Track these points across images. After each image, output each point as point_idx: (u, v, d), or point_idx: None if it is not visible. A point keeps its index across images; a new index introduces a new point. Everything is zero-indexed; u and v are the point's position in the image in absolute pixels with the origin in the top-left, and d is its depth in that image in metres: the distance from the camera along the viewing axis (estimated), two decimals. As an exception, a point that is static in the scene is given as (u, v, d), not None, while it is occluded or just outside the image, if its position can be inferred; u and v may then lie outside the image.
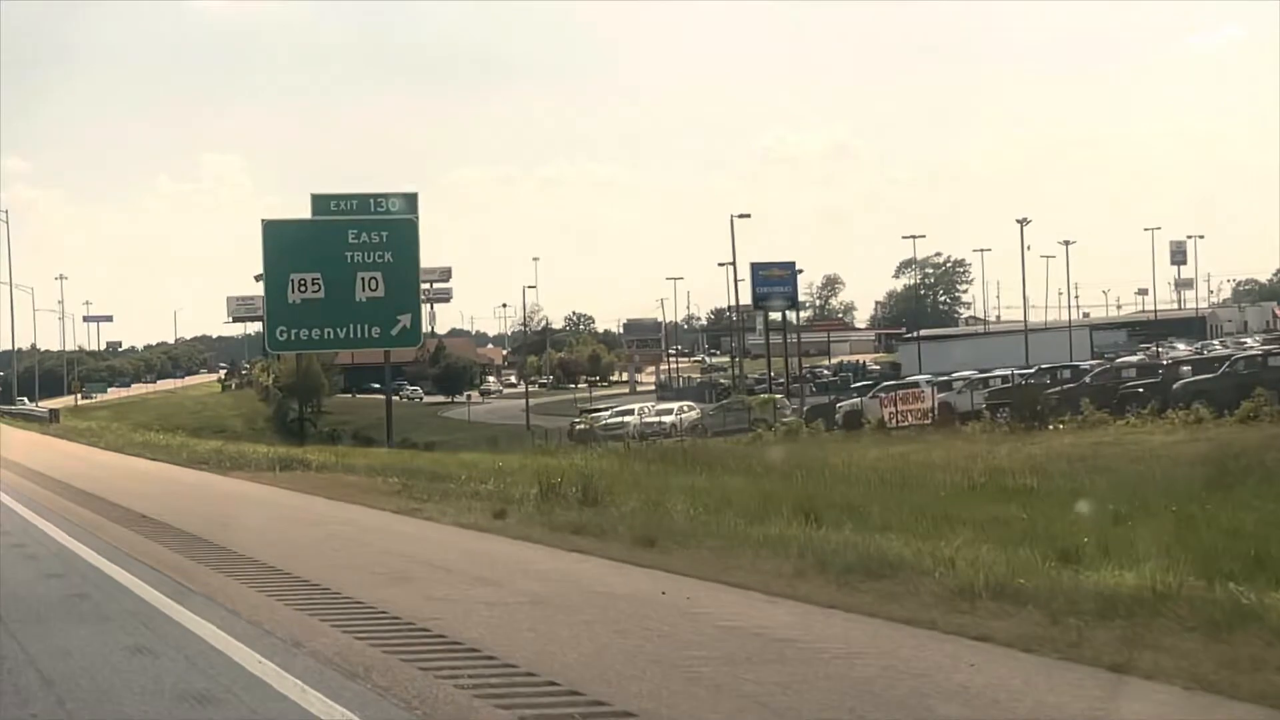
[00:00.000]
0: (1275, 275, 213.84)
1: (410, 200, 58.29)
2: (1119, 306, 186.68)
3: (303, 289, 55.76)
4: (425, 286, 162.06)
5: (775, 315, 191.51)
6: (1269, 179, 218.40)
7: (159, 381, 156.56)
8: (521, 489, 21.63)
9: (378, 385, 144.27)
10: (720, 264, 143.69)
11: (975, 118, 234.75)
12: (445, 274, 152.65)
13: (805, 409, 71.01)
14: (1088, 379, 58.63)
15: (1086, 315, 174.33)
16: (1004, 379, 63.29)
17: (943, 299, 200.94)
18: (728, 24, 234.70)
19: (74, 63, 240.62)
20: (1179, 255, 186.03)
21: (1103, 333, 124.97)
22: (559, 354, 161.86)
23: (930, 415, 56.37)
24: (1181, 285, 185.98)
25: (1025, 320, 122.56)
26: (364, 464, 30.68)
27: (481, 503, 20.95)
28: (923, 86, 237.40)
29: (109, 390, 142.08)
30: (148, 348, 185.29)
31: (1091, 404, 49.05)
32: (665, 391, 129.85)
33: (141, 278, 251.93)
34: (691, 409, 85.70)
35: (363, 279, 56.11)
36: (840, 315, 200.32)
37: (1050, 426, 49.40)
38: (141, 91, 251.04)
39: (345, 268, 56.01)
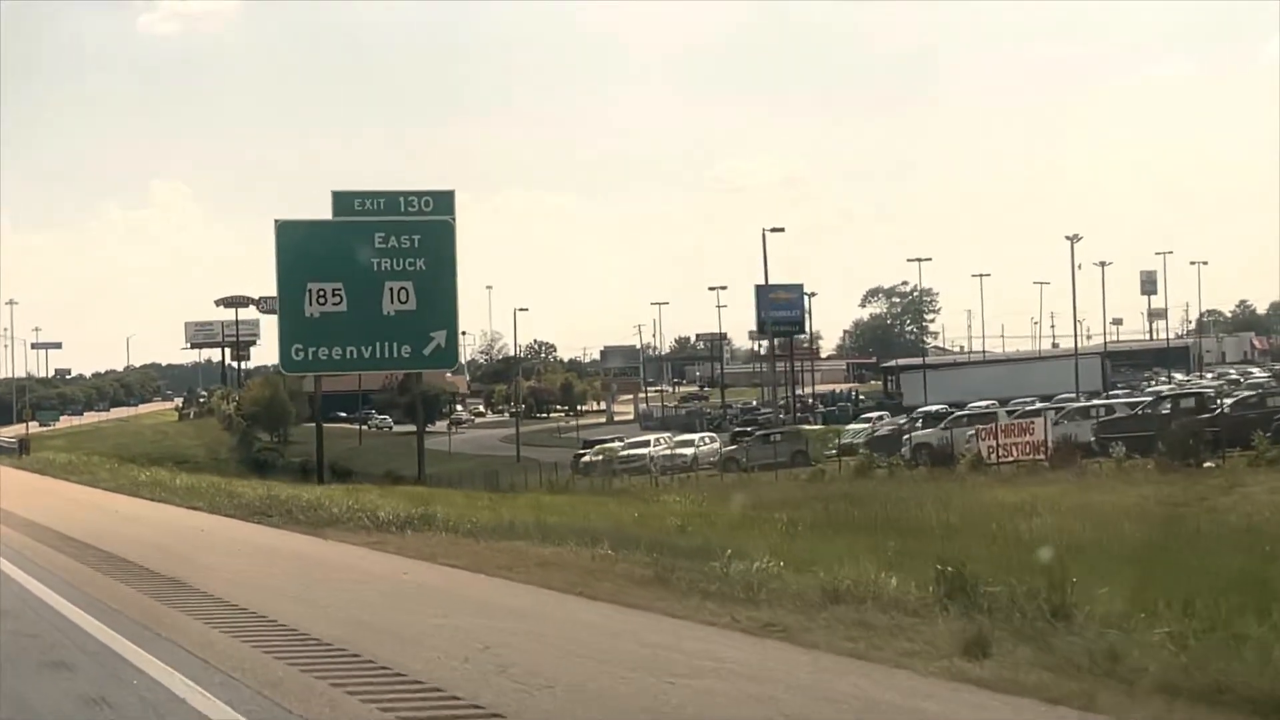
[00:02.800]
0: (1238, 307, 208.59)
1: (446, 199, 49.04)
2: (1089, 337, 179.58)
3: (322, 300, 46.70)
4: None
5: (732, 343, 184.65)
6: (1229, 210, 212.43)
7: (112, 409, 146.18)
8: (847, 575, 12.90)
9: (345, 414, 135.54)
10: (711, 288, 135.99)
11: (930, 152, 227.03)
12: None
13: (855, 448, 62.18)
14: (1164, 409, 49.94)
15: (1056, 345, 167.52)
16: (1105, 409, 54.81)
17: (910, 329, 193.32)
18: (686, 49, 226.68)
19: (17, 85, 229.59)
20: (1149, 285, 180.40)
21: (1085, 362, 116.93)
22: (529, 383, 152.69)
23: (1042, 449, 47.75)
24: (1154, 315, 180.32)
25: (1076, 343, 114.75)
26: (489, 520, 21.73)
27: (849, 609, 12.09)
28: (879, 120, 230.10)
29: (61, 419, 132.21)
30: (96, 375, 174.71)
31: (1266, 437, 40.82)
32: (648, 421, 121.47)
33: (89, 305, 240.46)
34: (712, 440, 77.02)
35: (391, 289, 47.10)
36: (806, 345, 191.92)
37: (1208, 464, 41.23)
38: (89, 115, 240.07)
39: (371, 276, 47.01)
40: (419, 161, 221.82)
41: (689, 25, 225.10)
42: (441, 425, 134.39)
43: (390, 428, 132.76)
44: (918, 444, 57.24)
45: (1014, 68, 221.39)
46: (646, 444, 77.24)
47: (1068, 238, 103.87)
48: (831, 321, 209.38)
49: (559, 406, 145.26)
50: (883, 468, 54.28)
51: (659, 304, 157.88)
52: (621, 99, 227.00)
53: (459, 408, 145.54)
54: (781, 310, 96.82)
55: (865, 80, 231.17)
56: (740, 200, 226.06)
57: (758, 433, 73.91)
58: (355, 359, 48.15)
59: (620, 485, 63.92)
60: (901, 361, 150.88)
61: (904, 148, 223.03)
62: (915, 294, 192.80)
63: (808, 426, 74.04)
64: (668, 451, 74.04)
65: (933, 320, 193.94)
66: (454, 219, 48.59)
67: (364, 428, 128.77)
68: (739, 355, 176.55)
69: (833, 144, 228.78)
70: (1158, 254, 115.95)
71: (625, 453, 74.95)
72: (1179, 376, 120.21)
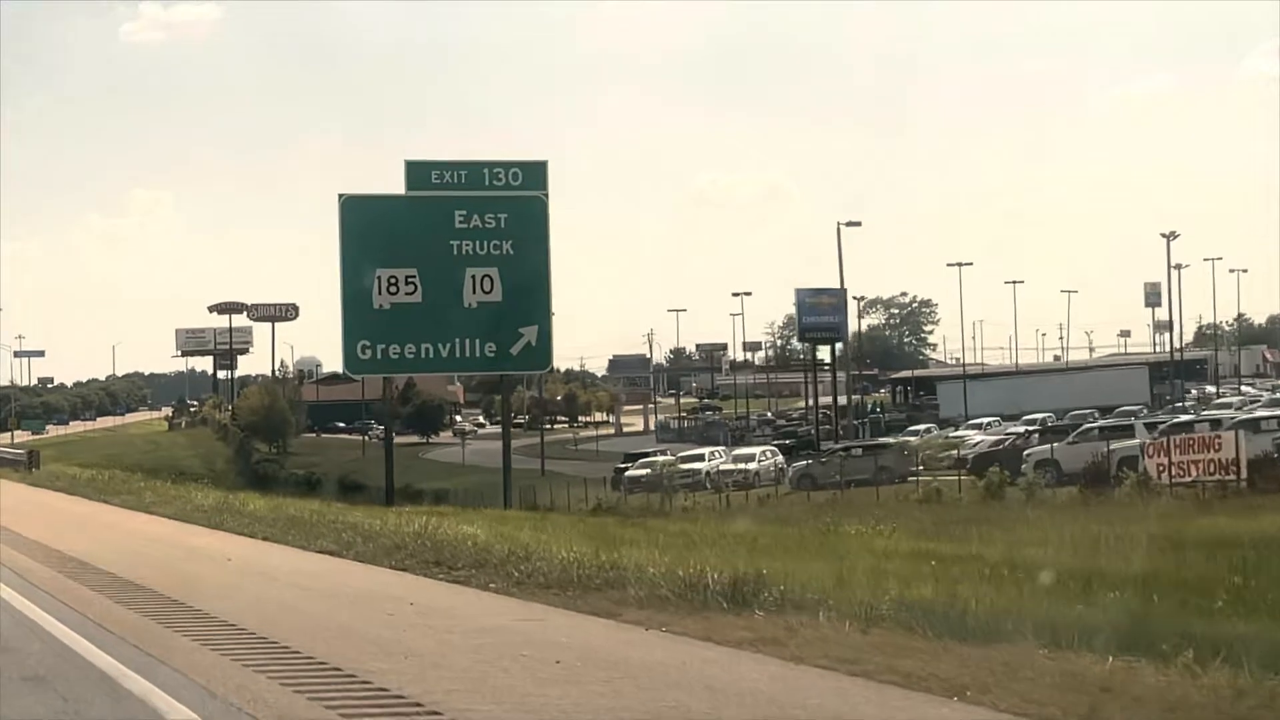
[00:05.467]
0: (1234, 320, 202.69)
1: (537, 171, 40.70)
2: (1092, 350, 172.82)
3: (393, 289, 38.61)
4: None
5: (728, 352, 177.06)
6: (1218, 224, 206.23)
7: (99, 419, 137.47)
8: None
9: (343, 424, 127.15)
10: (735, 293, 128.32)
11: (911, 166, 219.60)
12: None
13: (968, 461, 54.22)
14: None
15: (1058, 358, 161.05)
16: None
17: (908, 340, 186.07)
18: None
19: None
20: (1153, 297, 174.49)
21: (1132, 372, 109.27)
22: (530, 393, 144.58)
23: (1232, 468, 39.91)
24: (1161, 327, 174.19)
25: (1172, 349, 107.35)
26: (747, 571, 13.78)
27: None
28: (861, 134, 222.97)
29: (47, 428, 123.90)
30: (78, 384, 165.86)
31: None
32: (664, 433, 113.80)
33: (71, 313, 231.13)
34: (773, 454, 69.14)
35: (473, 277, 39.12)
36: (802, 355, 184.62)
37: None
38: (70, 123, 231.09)
39: (450, 262, 39.01)
40: (399, 168, 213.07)
41: (672, 32, 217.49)
42: (444, 436, 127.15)
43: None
44: (1040, 460, 49.55)
45: (997, 80, 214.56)
46: (701, 457, 69.28)
47: (1163, 235, 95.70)
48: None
49: (562, 418, 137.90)
50: (1017, 487, 46.61)
51: (676, 310, 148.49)
52: (600, 106, 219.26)
53: (458, 418, 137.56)
54: (824, 316, 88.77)
55: (848, 92, 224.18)
56: (721, 213, 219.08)
57: (836, 446, 66.04)
58: (431, 358, 39.88)
59: (688, 503, 56.18)
60: (920, 373, 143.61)
61: (885, 160, 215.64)
62: (914, 305, 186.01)
63: (891, 440, 65.93)
64: (727, 466, 66.22)
65: (931, 331, 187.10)
66: (547, 194, 40.36)
67: (363, 438, 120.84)
68: (738, 366, 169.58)
69: (817, 154, 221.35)
70: (1178, 266, 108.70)
71: (682, 467, 67.04)
72: (1209, 389, 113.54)
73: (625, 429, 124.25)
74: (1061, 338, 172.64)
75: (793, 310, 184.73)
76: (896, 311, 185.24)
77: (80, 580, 14.91)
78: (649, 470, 69.53)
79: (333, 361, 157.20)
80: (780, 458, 67.98)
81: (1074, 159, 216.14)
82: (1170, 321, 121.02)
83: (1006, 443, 54.23)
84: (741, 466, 65.64)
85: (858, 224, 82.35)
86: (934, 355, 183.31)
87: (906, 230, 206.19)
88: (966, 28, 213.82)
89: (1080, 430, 50.74)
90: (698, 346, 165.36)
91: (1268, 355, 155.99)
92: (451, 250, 39.02)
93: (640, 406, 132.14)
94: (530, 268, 39.63)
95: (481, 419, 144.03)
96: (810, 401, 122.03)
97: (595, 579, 14.54)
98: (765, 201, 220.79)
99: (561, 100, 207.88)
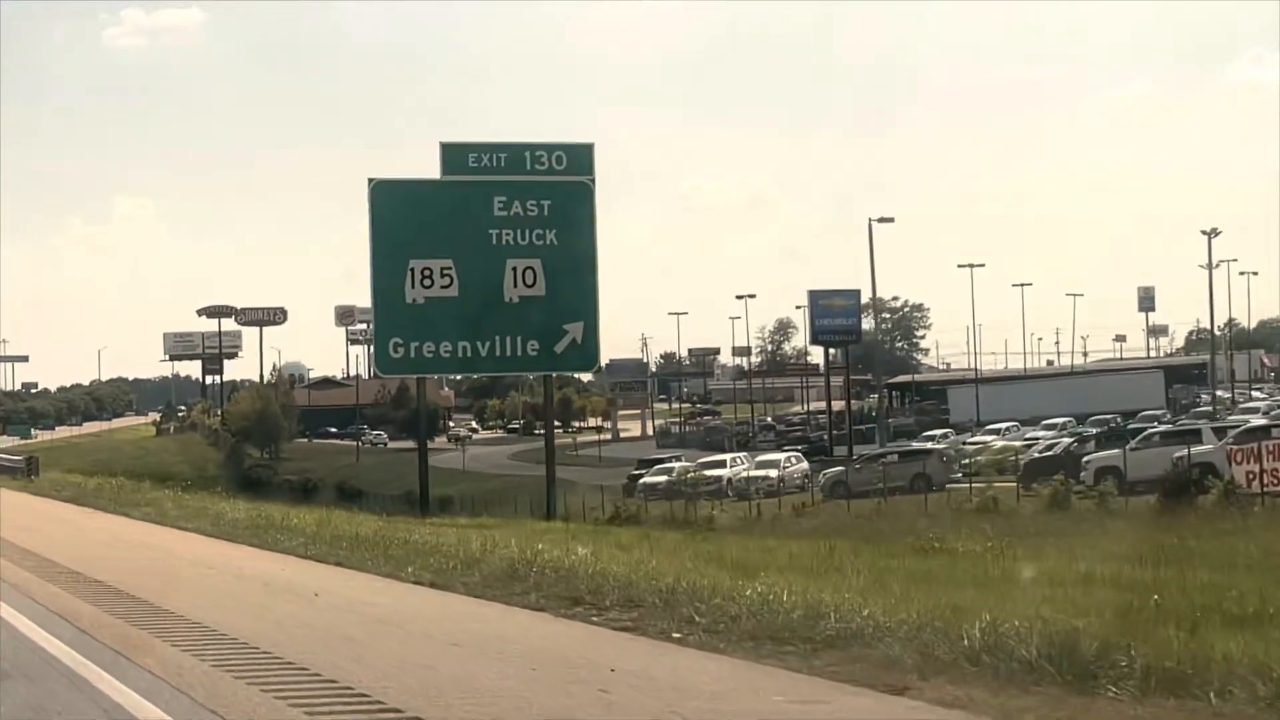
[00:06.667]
0: (1225, 326, 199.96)
1: (582, 154, 36.86)
2: (1085, 354, 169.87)
3: (427, 282, 34.98)
4: (360, 328, 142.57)
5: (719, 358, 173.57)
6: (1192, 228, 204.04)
7: (85, 424, 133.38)
8: None
9: (335, 430, 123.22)
10: (738, 296, 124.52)
11: (898, 173, 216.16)
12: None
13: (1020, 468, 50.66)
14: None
15: (1050, 363, 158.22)
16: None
17: (900, 345, 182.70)
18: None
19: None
20: (1147, 302, 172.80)
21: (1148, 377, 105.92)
22: (522, 398, 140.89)
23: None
24: (1156, 332, 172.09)
25: (1212, 354, 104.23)
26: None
27: None
28: (844, 139, 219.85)
29: (34, 433, 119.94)
30: (63, 389, 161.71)
31: None
32: (665, 439, 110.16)
33: (55, 319, 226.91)
34: (798, 460, 65.60)
35: (514, 269, 35.54)
36: (793, 360, 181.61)
37: None
38: (53, 130, 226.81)
39: (489, 252, 35.45)
40: (384, 171, 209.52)
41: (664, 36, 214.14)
42: (438, 442, 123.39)
43: (385, 443, 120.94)
44: (1101, 467, 46.18)
45: (985, 87, 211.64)
46: (722, 464, 65.66)
47: (1204, 232, 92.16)
48: (804, 337, 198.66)
49: (555, 423, 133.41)
50: (1085, 497, 43.27)
51: (677, 314, 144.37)
52: (586, 111, 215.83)
53: (451, 424, 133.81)
54: (837, 318, 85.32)
55: (835, 99, 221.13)
56: (706, 219, 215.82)
57: (869, 453, 62.58)
58: (469, 357, 36.12)
59: (716, 512, 52.60)
60: (919, 378, 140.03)
61: (873, 167, 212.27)
62: (905, 309, 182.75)
63: (930, 446, 62.26)
64: (750, 473, 62.65)
65: (923, 336, 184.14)
66: (593, 179, 36.63)
67: (360, 444, 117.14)
68: (728, 371, 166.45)
69: (802, 162, 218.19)
70: (1202, 266, 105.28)
71: (697, 474, 63.47)
72: (1215, 395, 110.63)
73: (621, 434, 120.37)
74: (1057, 342, 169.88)
75: (784, 315, 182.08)
76: (888, 316, 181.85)
77: (165, 636, 11.25)
78: (666, 477, 66.12)
79: (320, 366, 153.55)
80: (805, 464, 64.53)
81: (1064, 163, 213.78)
82: (1209, 325, 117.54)
83: (1058, 449, 50.74)
84: (765, 473, 62.17)
85: (890, 220, 78.72)
86: (925, 360, 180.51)
87: (895, 235, 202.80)
88: (954, 32, 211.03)
89: (1142, 436, 47.28)
90: (689, 351, 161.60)
91: (1265, 360, 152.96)
92: (490, 240, 35.45)
93: (637, 411, 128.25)
94: (576, 258, 35.97)
95: (474, 424, 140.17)
96: (818, 406, 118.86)
97: (808, 627, 11.00)
98: (753, 207, 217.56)
99: (551, 106, 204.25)
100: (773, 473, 62.31)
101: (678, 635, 11.36)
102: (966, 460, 57.04)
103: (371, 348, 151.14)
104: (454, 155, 36.20)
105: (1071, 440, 51.89)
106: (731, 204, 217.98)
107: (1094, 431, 53.81)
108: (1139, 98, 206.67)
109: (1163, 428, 51.08)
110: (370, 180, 35.97)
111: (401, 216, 35.41)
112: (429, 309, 35.02)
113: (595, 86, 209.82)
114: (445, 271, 35.00)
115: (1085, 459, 47.32)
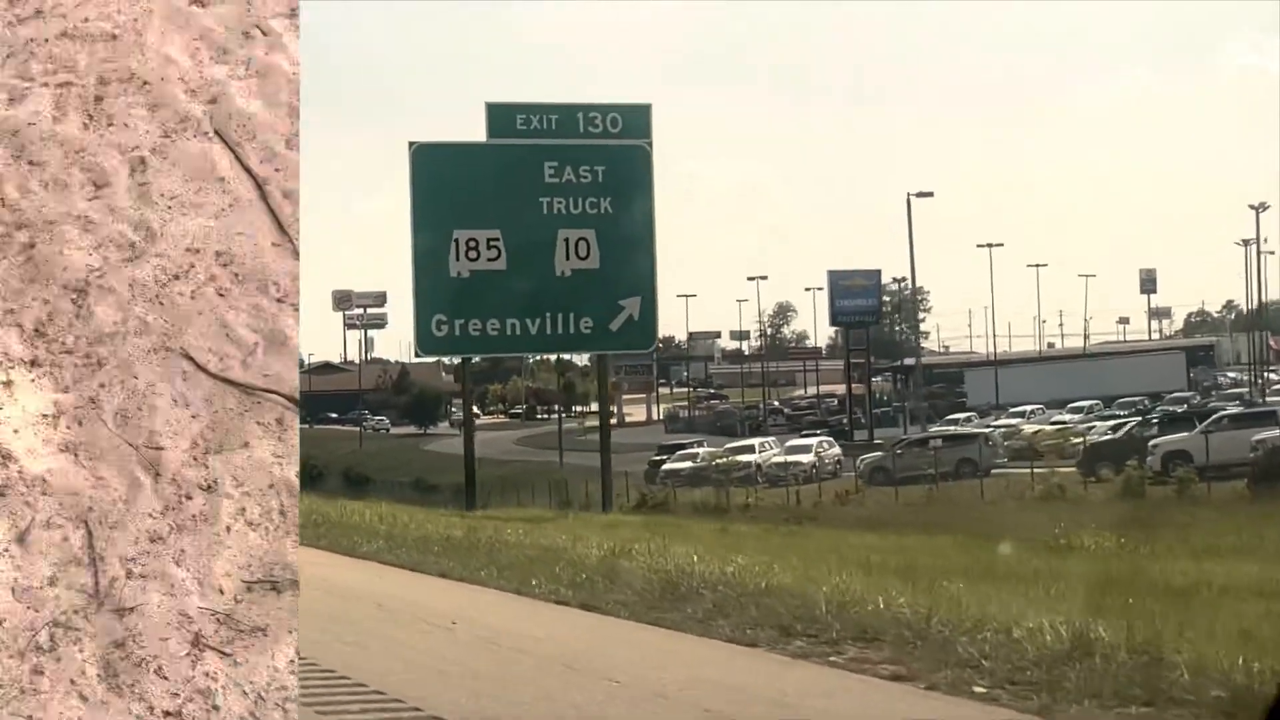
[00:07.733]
0: (1223, 308, 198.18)
1: (639, 115, 33.75)
2: (1087, 336, 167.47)
3: (473, 255, 31.99)
4: (357, 312, 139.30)
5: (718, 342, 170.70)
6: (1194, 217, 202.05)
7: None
8: None
9: (335, 415, 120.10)
10: (750, 278, 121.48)
11: (898, 159, 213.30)
12: (380, 299, 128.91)
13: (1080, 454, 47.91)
14: None
15: (1051, 345, 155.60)
16: None
17: (900, 328, 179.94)
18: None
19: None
20: (1149, 284, 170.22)
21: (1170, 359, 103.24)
22: (526, 383, 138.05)
23: None
24: (1159, 314, 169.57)
25: (1251, 341, 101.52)
26: None
27: None
28: (843, 127, 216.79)
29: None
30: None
31: None
32: (674, 423, 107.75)
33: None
34: (830, 445, 62.88)
35: (566, 240, 32.56)
36: (793, 344, 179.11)
37: None
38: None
39: (539, 222, 32.45)
40: (370, 165, 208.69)
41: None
42: (440, 427, 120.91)
43: (388, 429, 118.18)
44: (1169, 452, 43.53)
45: (983, 74, 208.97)
46: (750, 449, 62.93)
47: (1251, 206, 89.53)
48: (803, 321, 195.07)
49: (557, 408, 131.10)
50: (1163, 483, 40.61)
51: (686, 295, 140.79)
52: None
53: (453, 408, 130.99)
54: (857, 299, 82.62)
55: (833, 82, 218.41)
56: (702, 202, 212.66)
57: (909, 438, 59.94)
58: (518, 336, 32.83)
59: (750, 500, 49.85)
60: (929, 360, 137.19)
61: (875, 150, 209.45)
62: (906, 292, 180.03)
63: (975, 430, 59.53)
64: (781, 458, 59.97)
65: (924, 319, 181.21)
66: (651, 143, 33.58)
67: (358, 429, 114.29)
68: (728, 355, 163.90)
69: (798, 143, 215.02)
70: (1235, 246, 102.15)
71: (724, 461, 60.85)
72: (1232, 375, 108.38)
73: (626, 419, 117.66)
74: (1061, 324, 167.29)
75: (783, 299, 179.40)
76: (888, 299, 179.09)
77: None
78: (690, 463, 63.63)
79: (317, 351, 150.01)
80: (837, 449, 61.91)
81: (1067, 148, 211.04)
82: (1252, 303, 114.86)
83: (1120, 432, 48.02)
84: (798, 459, 59.48)
85: (929, 194, 76.29)
86: (925, 344, 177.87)
87: (892, 219, 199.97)
88: (947, 24, 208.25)
89: (1213, 419, 44.61)
90: (689, 334, 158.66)
91: (1272, 343, 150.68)
92: (540, 209, 32.46)
93: (641, 396, 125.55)
94: (632, 229, 32.91)
95: (476, 409, 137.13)
96: (825, 389, 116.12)
97: (1149, 680, 8.04)
98: (748, 191, 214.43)
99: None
100: (806, 458, 59.68)
101: (981, 689, 8.40)
102: (1006, 443, 54.56)
103: (366, 333, 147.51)
104: (500, 116, 33.09)
105: (1135, 423, 49.18)
106: (730, 187, 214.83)
107: (1156, 414, 51.00)
108: (1142, 84, 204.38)
109: (1232, 410, 48.36)
110: (411, 144, 32.85)
111: (445, 183, 32.35)
112: (475, 284, 32.03)
113: (594, 68, 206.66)
114: (492, 243, 32.02)
115: (1151, 443, 44.69)
